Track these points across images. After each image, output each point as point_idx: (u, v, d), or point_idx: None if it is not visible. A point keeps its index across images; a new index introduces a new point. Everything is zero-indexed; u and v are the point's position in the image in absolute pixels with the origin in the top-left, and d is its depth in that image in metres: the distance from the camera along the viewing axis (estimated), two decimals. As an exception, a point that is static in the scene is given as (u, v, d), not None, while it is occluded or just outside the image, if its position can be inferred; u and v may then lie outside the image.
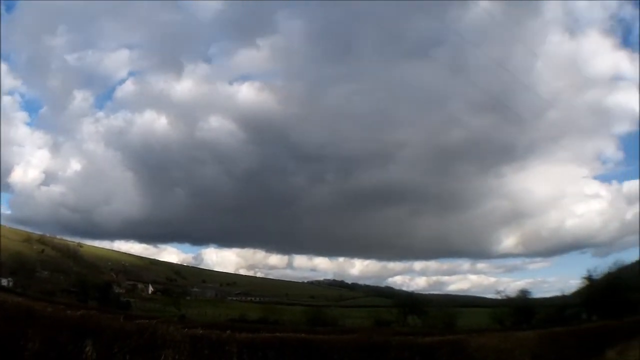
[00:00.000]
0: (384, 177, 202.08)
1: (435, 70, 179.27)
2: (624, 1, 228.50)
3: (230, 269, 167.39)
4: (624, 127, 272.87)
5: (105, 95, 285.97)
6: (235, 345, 9.72)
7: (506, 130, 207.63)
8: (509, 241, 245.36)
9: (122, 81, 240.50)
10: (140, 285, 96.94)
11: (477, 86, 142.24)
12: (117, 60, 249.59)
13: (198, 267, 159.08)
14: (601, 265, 69.83)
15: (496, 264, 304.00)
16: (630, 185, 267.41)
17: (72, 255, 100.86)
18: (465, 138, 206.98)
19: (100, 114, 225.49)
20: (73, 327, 9.02)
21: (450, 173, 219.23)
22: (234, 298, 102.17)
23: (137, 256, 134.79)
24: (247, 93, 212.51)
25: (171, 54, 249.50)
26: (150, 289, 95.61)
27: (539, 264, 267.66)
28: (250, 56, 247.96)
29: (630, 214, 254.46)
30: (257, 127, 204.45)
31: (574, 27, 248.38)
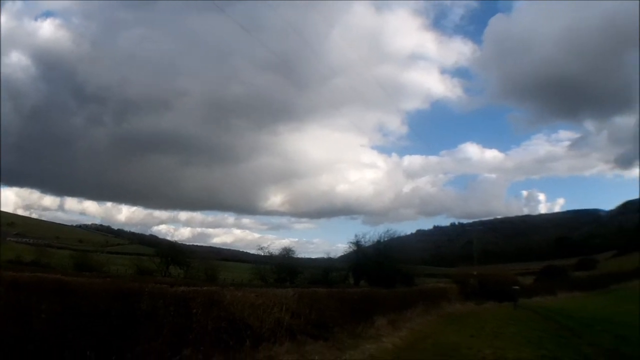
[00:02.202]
0: (160, 124, 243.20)
1: (227, 25, 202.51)
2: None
3: (9, 209, 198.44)
4: (413, 104, 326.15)
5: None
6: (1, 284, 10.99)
7: (287, 92, 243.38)
8: (276, 199, 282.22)
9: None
10: None
11: (266, 46, 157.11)
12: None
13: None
14: (371, 232, 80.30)
15: (262, 220, 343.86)
16: (411, 160, 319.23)
17: None
18: (245, 94, 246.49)
19: None
20: None
21: (225, 126, 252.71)
22: (12, 239, 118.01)
23: None
24: (47, 30, 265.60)
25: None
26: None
27: (305, 225, 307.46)
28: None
29: (407, 187, 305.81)
30: (49, 65, 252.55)
31: (382, 2, 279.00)
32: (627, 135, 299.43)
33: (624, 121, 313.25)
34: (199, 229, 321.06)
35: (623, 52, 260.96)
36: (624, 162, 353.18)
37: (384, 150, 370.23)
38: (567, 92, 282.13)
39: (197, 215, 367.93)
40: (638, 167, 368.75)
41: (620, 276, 64.60)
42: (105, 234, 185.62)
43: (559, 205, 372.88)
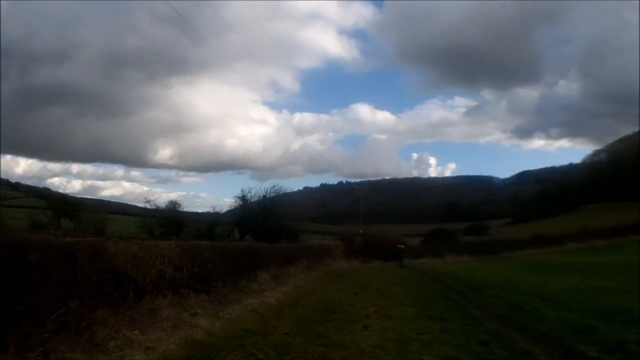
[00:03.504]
0: (60, 77, 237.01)
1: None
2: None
3: None
4: (308, 63, 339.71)
5: None
6: None
7: (183, 45, 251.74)
8: (165, 152, 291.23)
9: None
10: None
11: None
12: None
13: None
14: (258, 187, 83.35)
15: (150, 173, 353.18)
16: (302, 117, 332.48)
17: None
18: (142, 46, 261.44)
19: None
20: None
21: (119, 78, 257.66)
22: None
23: None
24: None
25: None
26: None
27: (193, 179, 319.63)
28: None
29: (297, 144, 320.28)
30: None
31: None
32: (528, 107, 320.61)
33: (526, 93, 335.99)
34: (89, 182, 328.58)
35: (530, 26, 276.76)
36: (523, 133, 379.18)
37: (275, 106, 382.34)
38: (468, 61, 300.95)
39: (89, 168, 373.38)
40: (537, 138, 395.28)
41: (513, 244, 68.22)
42: (4, 187, 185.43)
43: (450, 170, 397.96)
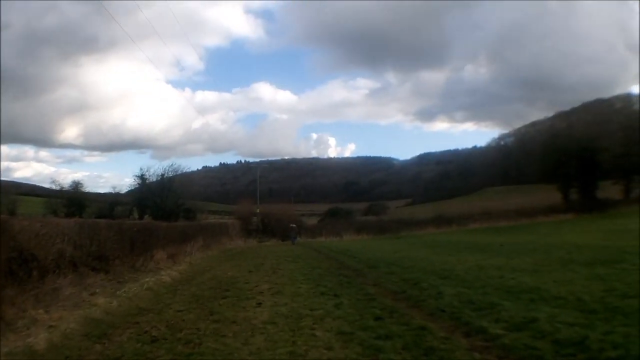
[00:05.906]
0: None
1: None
2: None
3: None
4: (212, 41, 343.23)
5: None
6: None
7: (95, 24, 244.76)
8: (72, 132, 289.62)
9: None
10: None
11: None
12: None
13: None
14: (156, 166, 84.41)
15: (57, 153, 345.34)
16: (204, 96, 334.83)
17: None
18: (58, 25, 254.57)
19: None
20: None
21: (35, 58, 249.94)
22: None
23: None
24: None
25: None
26: None
27: (97, 158, 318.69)
28: None
29: (197, 123, 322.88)
30: None
31: None
32: (432, 90, 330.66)
33: (431, 76, 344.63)
34: (5, 163, 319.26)
35: (440, 10, 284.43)
36: (426, 115, 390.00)
37: (177, 84, 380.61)
38: (373, 43, 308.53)
39: (4, 149, 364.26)
40: (440, 121, 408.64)
41: (413, 223, 70.29)
42: None
43: (350, 151, 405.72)
